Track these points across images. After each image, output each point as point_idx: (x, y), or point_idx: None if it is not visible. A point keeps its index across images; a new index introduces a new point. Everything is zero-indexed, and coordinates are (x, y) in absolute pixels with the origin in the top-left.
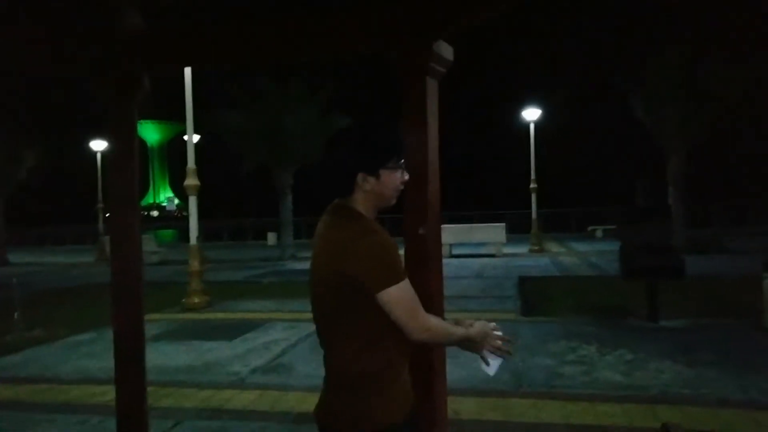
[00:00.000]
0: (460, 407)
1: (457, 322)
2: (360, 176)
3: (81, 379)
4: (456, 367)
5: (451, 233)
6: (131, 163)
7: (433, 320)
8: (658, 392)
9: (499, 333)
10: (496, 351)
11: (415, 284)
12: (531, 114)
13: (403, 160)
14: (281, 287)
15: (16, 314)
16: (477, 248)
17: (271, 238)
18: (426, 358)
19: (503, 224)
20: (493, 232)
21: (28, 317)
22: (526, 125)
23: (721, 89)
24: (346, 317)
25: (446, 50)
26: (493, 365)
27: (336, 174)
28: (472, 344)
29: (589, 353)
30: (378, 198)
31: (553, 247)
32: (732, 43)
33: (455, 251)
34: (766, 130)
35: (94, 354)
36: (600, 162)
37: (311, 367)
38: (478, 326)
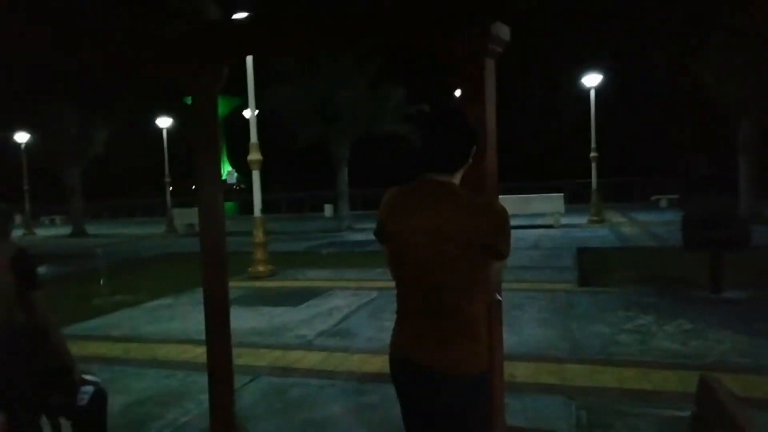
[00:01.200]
0: (516, 371)
1: None
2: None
3: (164, 339)
4: (512, 335)
5: (508, 204)
6: (214, 144)
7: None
8: (714, 361)
9: None
10: None
11: None
12: (592, 80)
13: None
14: (340, 257)
15: (101, 281)
16: (534, 219)
17: (328, 209)
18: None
19: (561, 194)
20: (552, 203)
21: (112, 284)
22: (587, 92)
23: None
24: (468, 274)
25: (503, 31)
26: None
27: (451, 152)
28: None
29: (647, 323)
30: (462, 175)
31: (614, 217)
32: None
33: (512, 222)
34: None
35: (173, 317)
36: (664, 129)
37: (372, 331)
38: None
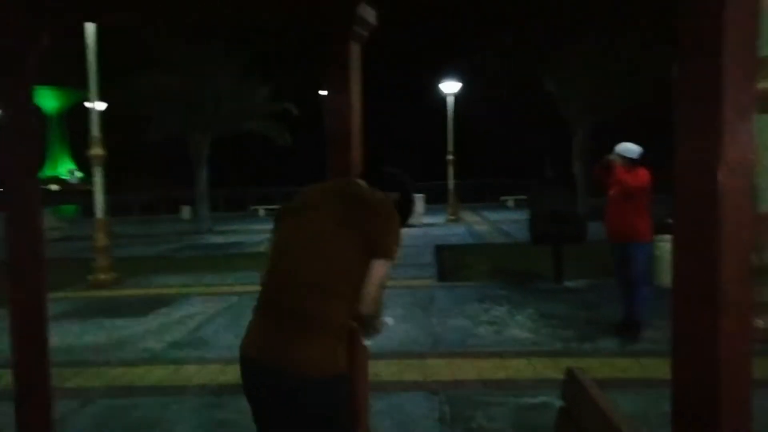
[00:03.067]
0: (381, 369)
1: None
2: None
3: None
4: None
5: None
6: (28, 131)
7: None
8: (561, 347)
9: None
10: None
11: None
12: (450, 87)
13: None
14: (197, 261)
15: None
16: None
17: (186, 211)
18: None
19: (422, 195)
20: None
21: None
22: (444, 97)
23: (629, 74)
24: (349, 274)
25: (369, 14)
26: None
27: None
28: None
29: (501, 314)
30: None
31: (469, 216)
32: (643, 31)
33: None
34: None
35: None
36: (514, 135)
37: (230, 338)
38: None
